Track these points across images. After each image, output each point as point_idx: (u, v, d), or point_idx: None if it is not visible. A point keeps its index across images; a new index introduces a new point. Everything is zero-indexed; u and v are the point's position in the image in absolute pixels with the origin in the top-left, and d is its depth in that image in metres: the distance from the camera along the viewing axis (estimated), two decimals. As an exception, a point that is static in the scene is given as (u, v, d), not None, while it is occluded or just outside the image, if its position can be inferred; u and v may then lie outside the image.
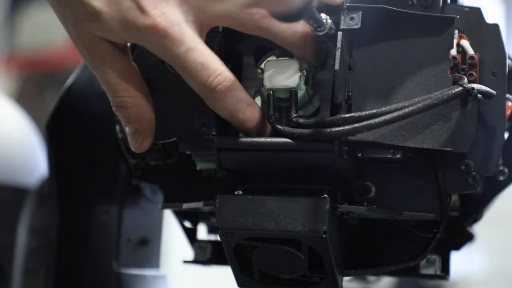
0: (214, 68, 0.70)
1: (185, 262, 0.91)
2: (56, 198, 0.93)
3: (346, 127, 0.71)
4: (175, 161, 0.84)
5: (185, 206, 0.82)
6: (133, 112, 0.72)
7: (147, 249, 0.99)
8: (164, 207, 0.85)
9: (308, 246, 0.73)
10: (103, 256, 0.92)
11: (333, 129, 0.71)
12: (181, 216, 0.92)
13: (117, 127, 0.85)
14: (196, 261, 0.91)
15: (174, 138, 0.76)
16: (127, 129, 0.74)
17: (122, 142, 0.85)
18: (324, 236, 0.72)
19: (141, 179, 0.87)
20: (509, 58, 0.84)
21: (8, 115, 1.11)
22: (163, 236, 1.03)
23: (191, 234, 0.93)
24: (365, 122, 0.71)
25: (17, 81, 3.68)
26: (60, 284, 0.93)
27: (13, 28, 3.77)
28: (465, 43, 0.77)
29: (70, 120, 0.94)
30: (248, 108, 0.73)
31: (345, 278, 0.85)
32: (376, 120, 0.71)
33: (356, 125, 0.71)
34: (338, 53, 0.72)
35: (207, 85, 0.70)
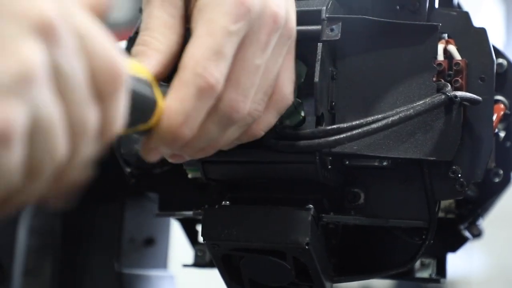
0: None
1: (185, 265, 0.93)
2: None
3: (327, 139, 0.71)
4: (169, 169, 0.84)
5: (178, 214, 0.84)
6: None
7: (154, 249, 1.01)
8: (158, 215, 0.86)
9: (293, 256, 0.74)
10: (104, 256, 0.94)
11: (314, 141, 0.71)
12: (182, 220, 0.93)
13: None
14: (195, 264, 0.92)
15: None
16: None
17: (117, 151, 0.86)
18: (307, 247, 0.72)
19: (136, 187, 0.88)
20: (506, 58, 0.84)
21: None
22: (173, 237, 1.04)
23: (193, 237, 0.94)
24: (346, 134, 0.71)
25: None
26: (62, 284, 0.95)
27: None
28: (452, 48, 0.76)
29: None
30: None
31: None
32: (357, 131, 0.71)
33: (337, 137, 0.71)
34: (317, 65, 0.72)
35: None
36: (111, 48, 0.47)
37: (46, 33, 0.43)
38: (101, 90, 0.47)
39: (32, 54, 0.42)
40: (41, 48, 0.43)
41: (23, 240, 0.97)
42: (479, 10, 2.62)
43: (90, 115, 0.46)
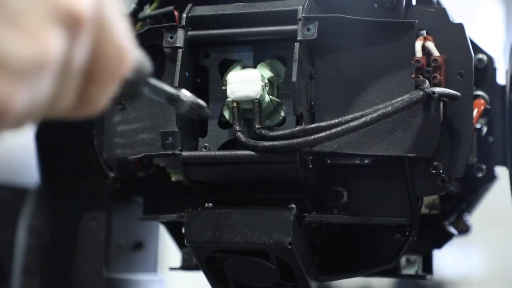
0: None
1: (171, 269, 0.93)
2: (48, 203, 0.95)
3: (307, 138, 0.71)
4: (153, 172, 0.85)
5: (162, 218, 0.84)
6: None
7: (143, 253, 1.01)
8: (142, 219, 0.87)
9: (276, 257, 0.74)
10: (92, 261, 0.94)
11: (294, 141, 0.71)
12: (168, 223, 0.93)
13: (95, 141, 0.86)
14: (182, 267, 0.92)
15: (142, 155, 0.77)
16: None
17: (100, 156, 0.86)
18: (289, 247, 0.72)
19: (121, 192, 0.88)
20: (485, 54, 0.84)
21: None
22: (164, 241, 1.04)
23: (180, 240, 0.94)
24: (325, 133, 0.71)
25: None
26: (52, 287, 0.95)
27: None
28: (430, 45, 0.76)
29: (58, 128, 0.96)
30: None
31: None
32: (337, 129, 0.71)
33: (316, 136, 0.71)
34: (295, 65, 0.72)
35: None
36: (126, 38, 0.46)
37: (72, 27, 0.42)
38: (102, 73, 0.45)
39: (53, 44, 0.41)
40: (63, 39, 0.41)
41: (23, 240, 0.97)
42: (479, 10, 2.61)
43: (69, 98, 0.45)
